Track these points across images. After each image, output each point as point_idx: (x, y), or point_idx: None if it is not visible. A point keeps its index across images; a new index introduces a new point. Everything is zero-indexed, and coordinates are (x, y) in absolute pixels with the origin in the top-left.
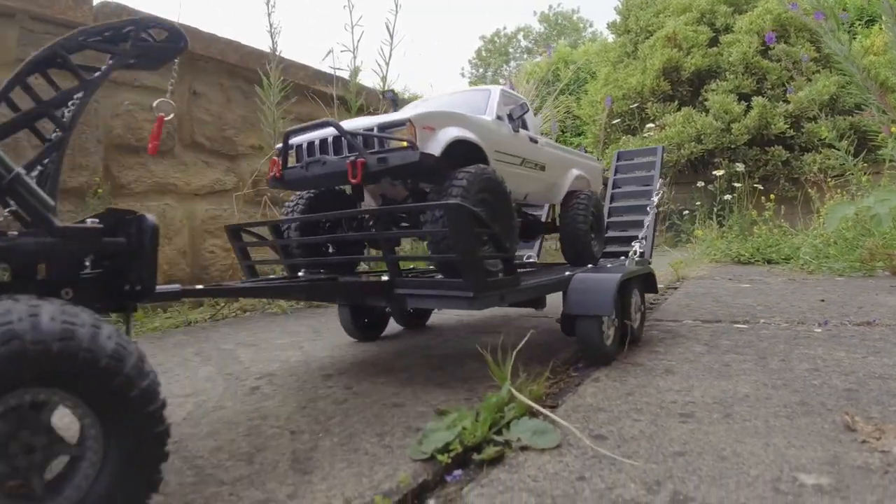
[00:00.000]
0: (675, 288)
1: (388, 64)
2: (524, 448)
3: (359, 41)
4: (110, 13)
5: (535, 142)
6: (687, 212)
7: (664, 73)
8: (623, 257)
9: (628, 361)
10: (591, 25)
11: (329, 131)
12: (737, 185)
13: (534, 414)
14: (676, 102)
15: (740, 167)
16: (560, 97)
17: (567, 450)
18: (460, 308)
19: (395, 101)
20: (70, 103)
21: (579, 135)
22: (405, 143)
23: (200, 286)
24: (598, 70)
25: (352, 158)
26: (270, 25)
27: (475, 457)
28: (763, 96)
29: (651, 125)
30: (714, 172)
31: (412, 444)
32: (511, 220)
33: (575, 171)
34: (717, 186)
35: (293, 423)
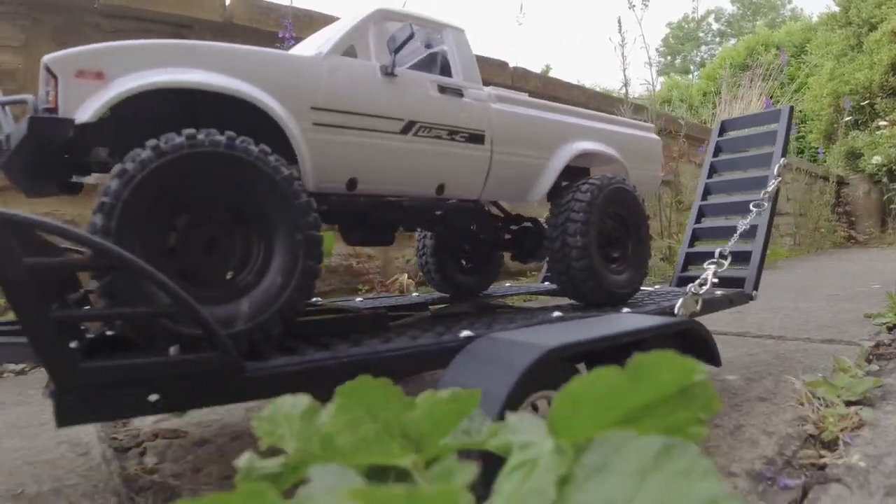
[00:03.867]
0: None
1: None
2: None
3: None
4: (519, 77)
5: (459, 94)
6: None
7: (892, 68)
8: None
9: None
10: (789, 2)
11: None
12: None
13: None
14: None
15: None
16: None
17: None
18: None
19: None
20: None
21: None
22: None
23: None
24: (822, 64)
25: None
26: (625, 80)
27: None
28: None
29: (883, 122)
30: None
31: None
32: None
33: (580, 146)
34: None
35: None
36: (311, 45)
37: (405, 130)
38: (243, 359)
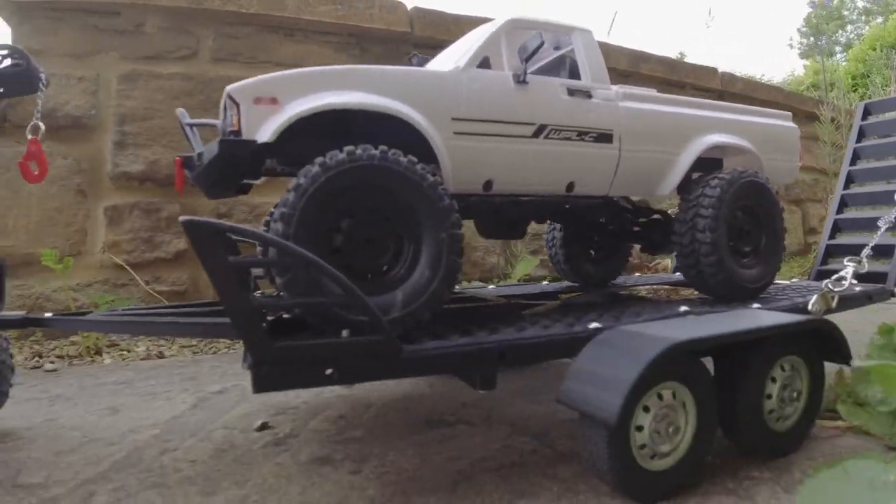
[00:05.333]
0: None
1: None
2: None
3: None
4: (727, 81)
5: (588, 95)
6: None
7: None
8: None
9: None
10: None
11: None
12: None
13: None
14: None
15: None
16: None
17: None
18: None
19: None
20: None
21: None
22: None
23: (49, 314)
24: None
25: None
26: (825, 82)
27: None
28: None
29: None
30: None
31: None
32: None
33: (711, 139)
34: None
35: None
36: (449, 59)
37: (536, 134)
38: (400, 342)
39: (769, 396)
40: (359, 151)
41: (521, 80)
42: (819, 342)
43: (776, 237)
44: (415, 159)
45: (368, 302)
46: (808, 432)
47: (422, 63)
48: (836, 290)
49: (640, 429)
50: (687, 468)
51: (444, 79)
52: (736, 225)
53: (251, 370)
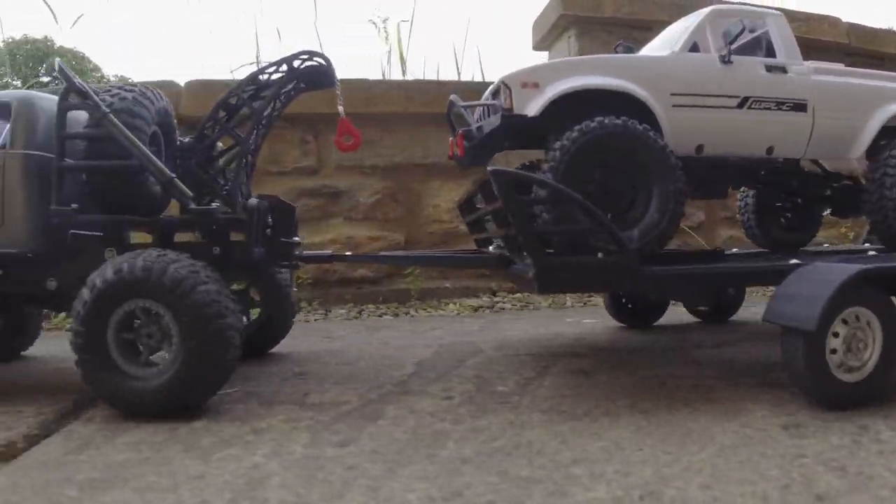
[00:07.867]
0: None
1: None
2: None
3: None
4: None
5: (783, 70)
6: None
7: None
8: None
9: None
10: None
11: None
12: None
13: None
14: None
15: None
16: None
17: None
18: (530, 291)
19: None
20: None
21: None
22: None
23: (349, 253)
24: None
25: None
26: None
27: None
28: None
29: None
30: None
31: None
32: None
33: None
34: None
35: None
36: (663, 46)
37: (741, 105)
38: (639, 265)
39: None
40: (607, 121)
41: (726, 61)
42: None
43: None
44: (648, 126)
45: (618, 232)
46: None
47: (627, 51)
48: None
49: (833, 351)
50: (873, 385)
51: (663, 62)
52: None
53: (535, 277)
